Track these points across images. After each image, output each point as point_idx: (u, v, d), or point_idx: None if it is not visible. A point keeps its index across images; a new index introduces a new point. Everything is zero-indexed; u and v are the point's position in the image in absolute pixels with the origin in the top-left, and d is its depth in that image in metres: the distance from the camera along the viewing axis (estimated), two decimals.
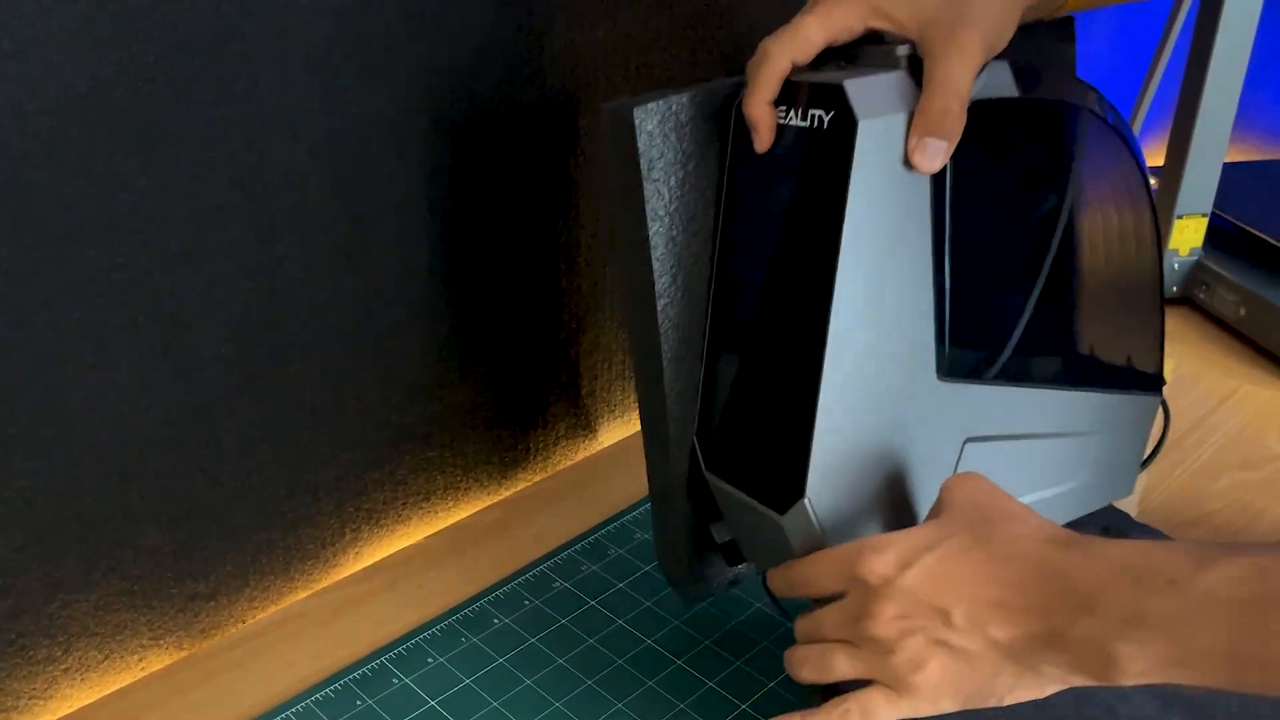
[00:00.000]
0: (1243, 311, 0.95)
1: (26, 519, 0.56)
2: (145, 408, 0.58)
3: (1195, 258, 1.01)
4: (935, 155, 0.49)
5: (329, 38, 0.58)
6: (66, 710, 0.60)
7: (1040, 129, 0.56)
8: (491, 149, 0.68)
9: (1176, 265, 1.01)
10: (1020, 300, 0.56)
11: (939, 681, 0.47)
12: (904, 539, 0.47)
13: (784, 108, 0.50)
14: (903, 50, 0.50)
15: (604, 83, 0.72)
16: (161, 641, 0.63)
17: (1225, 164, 0.98)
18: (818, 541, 0.51)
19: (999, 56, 0.52)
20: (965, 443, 0.54)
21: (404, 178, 0.64)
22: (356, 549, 0.71)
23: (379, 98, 0.61)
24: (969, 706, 0.47)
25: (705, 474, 0.56)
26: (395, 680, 0.60)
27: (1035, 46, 0.56)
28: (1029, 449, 0.57)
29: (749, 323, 0.54)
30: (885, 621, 0.46)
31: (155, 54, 0.52)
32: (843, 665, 0.49)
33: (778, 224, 0.52)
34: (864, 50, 0.51)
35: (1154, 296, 0.63)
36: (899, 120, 0.48)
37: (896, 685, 0.47)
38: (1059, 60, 0.61)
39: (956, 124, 0.49)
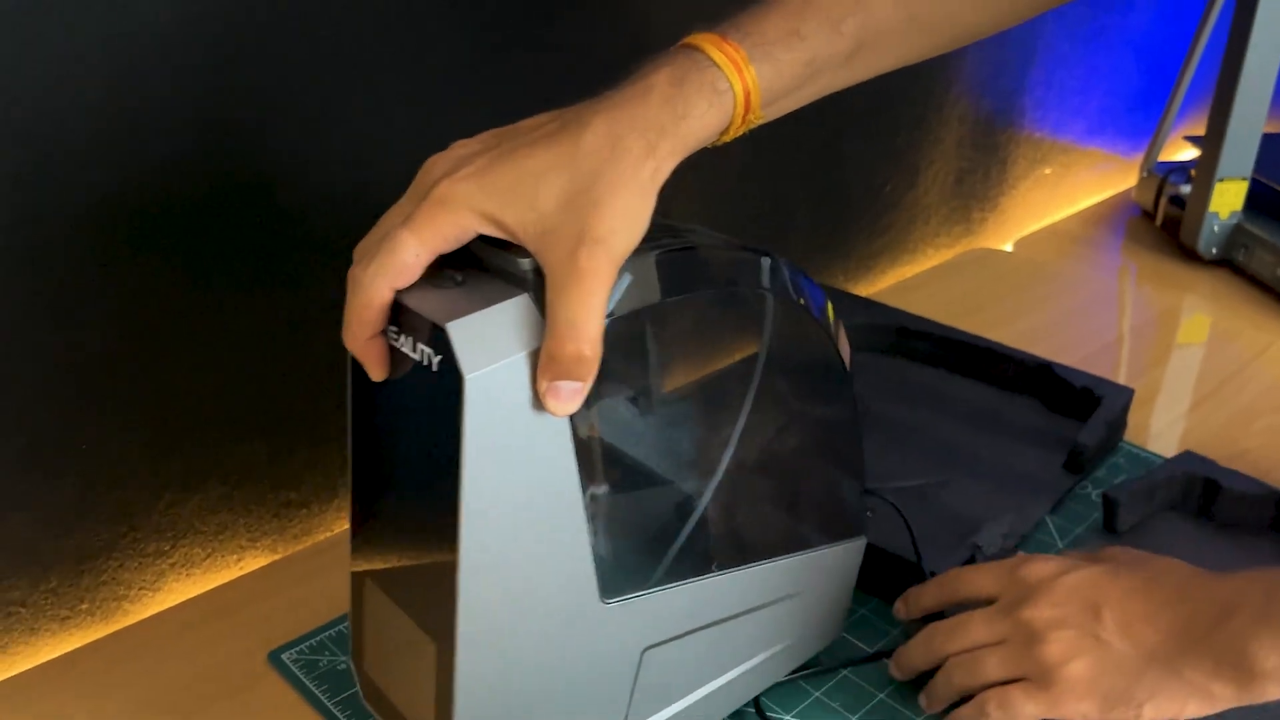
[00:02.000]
0: (1279, 272, 0.98)
1: (140, 424, 0.60)
2: (247, 321, 0.62)
3: (1235, 221, 1.03)
4: (570, 398, 0.41)
5: None
6: (172, 602, 0.64)
7: (701, 320, 0.49)
8: None
9: (1217, 228, 1.03)
10: (692, 499, 0.49)
11: (1083, 676, 0.49)
12: (1064, 557, 0.54)
13: (395, 329, 0.42)
14: (528, 263, 0.41)
15: None
16: (258, 544, 0.67)
17: (1265, 134, 1.01)
18: None
19: (645, 241, 0.43)
20: (644, 652, 0.49)
21: None
22: None
23: None
24: (1107, 711, 0.50)
25: (362, 699, 0.52)
26: None
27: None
28: (722, 632, 0.51)
29: (384, 552, 0.48)
30: (1041, 610, 0.51)
31: None
32: (992, 664, 0.51)
33: (400, 466, 0.45)
34: (486, 252, 0.43)
35: (853, 449, 0.56)
36: (520, 361, 0.40)
37: (1042, 678, 0.50)
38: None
39: (590, 366, 0.41)
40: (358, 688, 0.51)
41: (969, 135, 1.04)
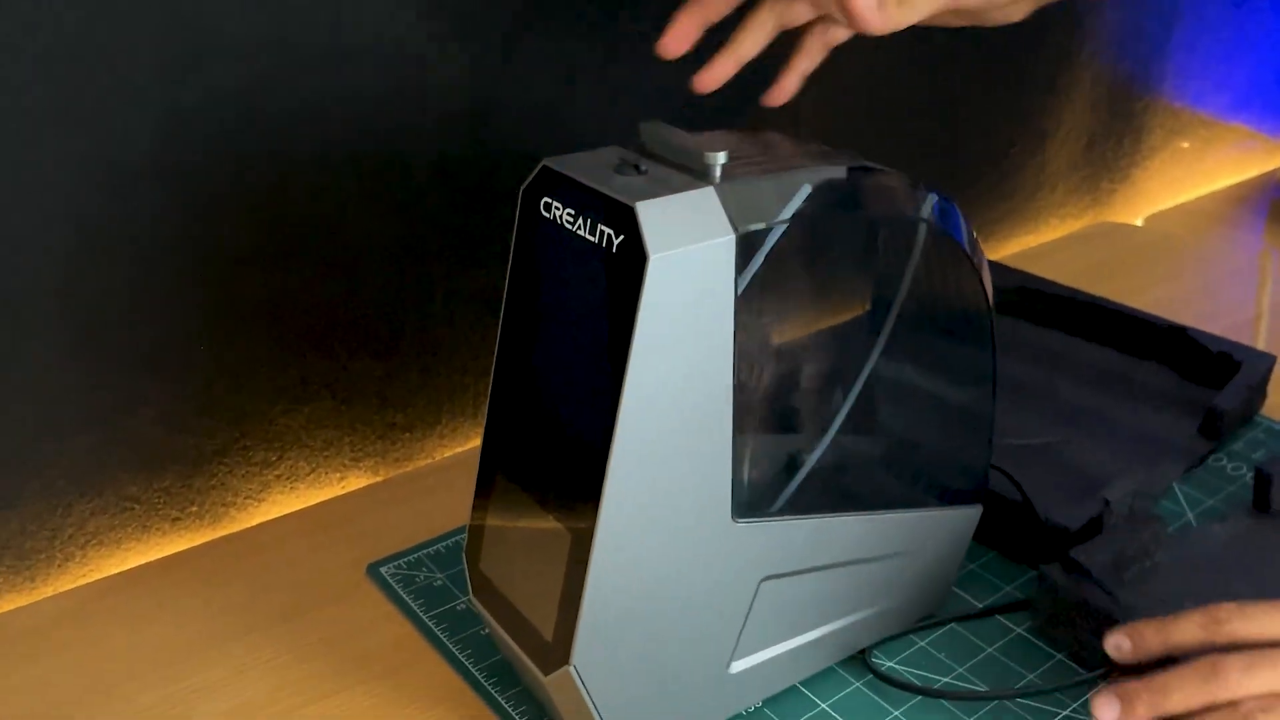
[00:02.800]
0: None
1: (262, 331, 0.61)
2: (367, 241, 0.63)
3: None
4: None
5: None
6: (276, 514, 0.65)
7: (865, 242, 0.49)
8: None
9: None
10: (824, 429, 0.49)
11: None
12: None
13: (570, 212, 0.43)
14: (719, 158, 0.42)
15: None
16: (361, 464, 0.68)
17: None
18: (583, 707, 0.45)
19: (838, 158, 0.46)
20: (762, 582, 0.48)
21: None
22: None
23: None
24: None
25: (471, 600, 0.51)
26: None
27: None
28: (832, 578, 0.50)
29: (524, 443, 0.47)
30: (1257, 683, 0.44)
31: None
32: None
33: (558, 347, 0.45)
34: (677, 145, 0.44)
35: (985, 405, 0.54)
36: (701, 251, 0.40)
37: None
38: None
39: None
40: (468, 587, 0.51)
41: (1103, 100, 1.00)
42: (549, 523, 0.45)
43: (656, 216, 0.40)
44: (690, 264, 0.41)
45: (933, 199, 0.49)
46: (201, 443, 0.61)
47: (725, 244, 0.41)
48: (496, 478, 0.49)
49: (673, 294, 0.40)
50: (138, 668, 0.54)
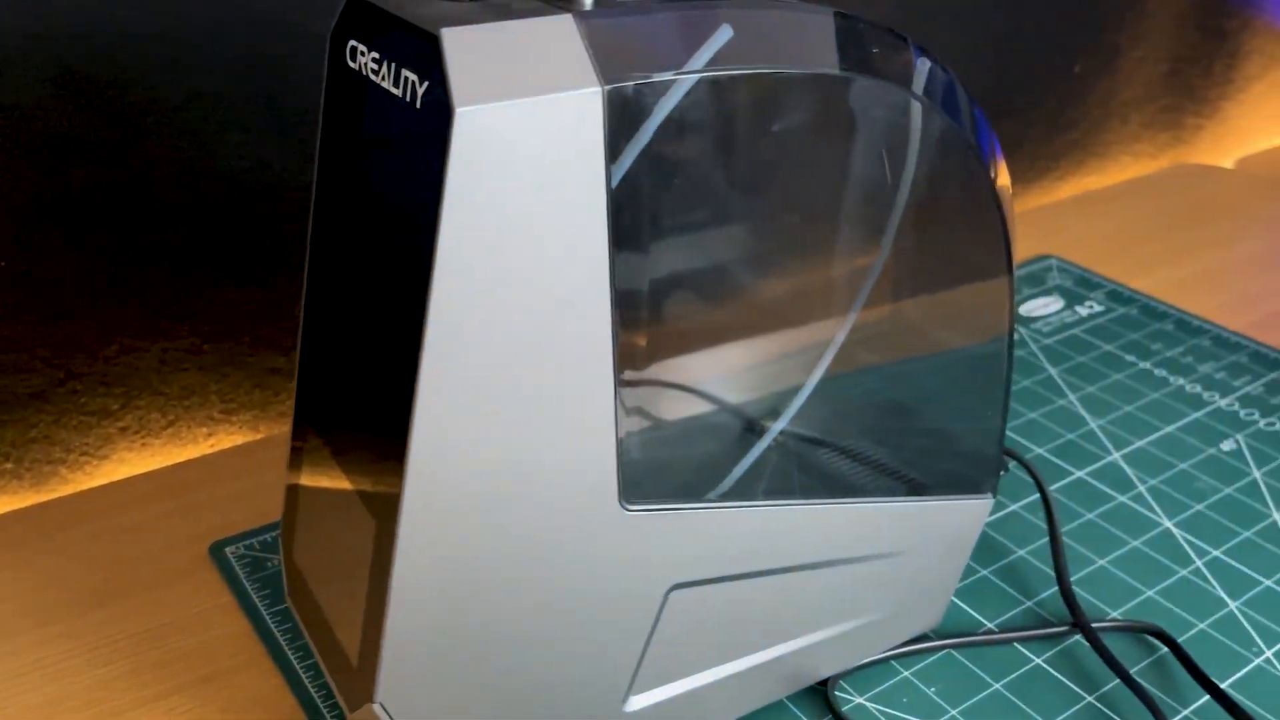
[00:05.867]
0: None
1: (84, 240, 0.48)
2: (221, 127, 0.50)
3: None
4: None
5: None
6: (125, 474, 0.53)
7: (817, 122, 0.33)
8: None
9: None
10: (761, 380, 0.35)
11: None
12: None
13: (376, 57, 0.29)
14: None
15: None
16: (234, 417, 0.55)
17: None
18: None
19: None
20: (670, 591, 0.35)
21: None
22: None
23: None
24: None
25: (289, 603, 0.39)
26: None
27: None
28: (778, 588, 0.37)
29: (334, 384, 0.34)
30: None
31: None
32: None
33: (365, 251, 0.31)
34: None
35: (997, 363, 0.40)
36: (546, 108, 0.27)
37: None
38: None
39: None
40: (284, 584, 0.38)
41: (1191, 14, 0.83)
42: (354, 499, 0.33)
43: (472, 51, 0.26)
44: (528, 127, 0.27)
45: (926, 66, 0.34)
46: (11, 382, 0.49)
47: (585, 100, 0.27)
48: (308, 433, 0.36)
49: (500, 173, 0.27)
50: None
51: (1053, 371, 0.61)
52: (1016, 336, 0.64)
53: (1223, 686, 0.42)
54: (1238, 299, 0.69)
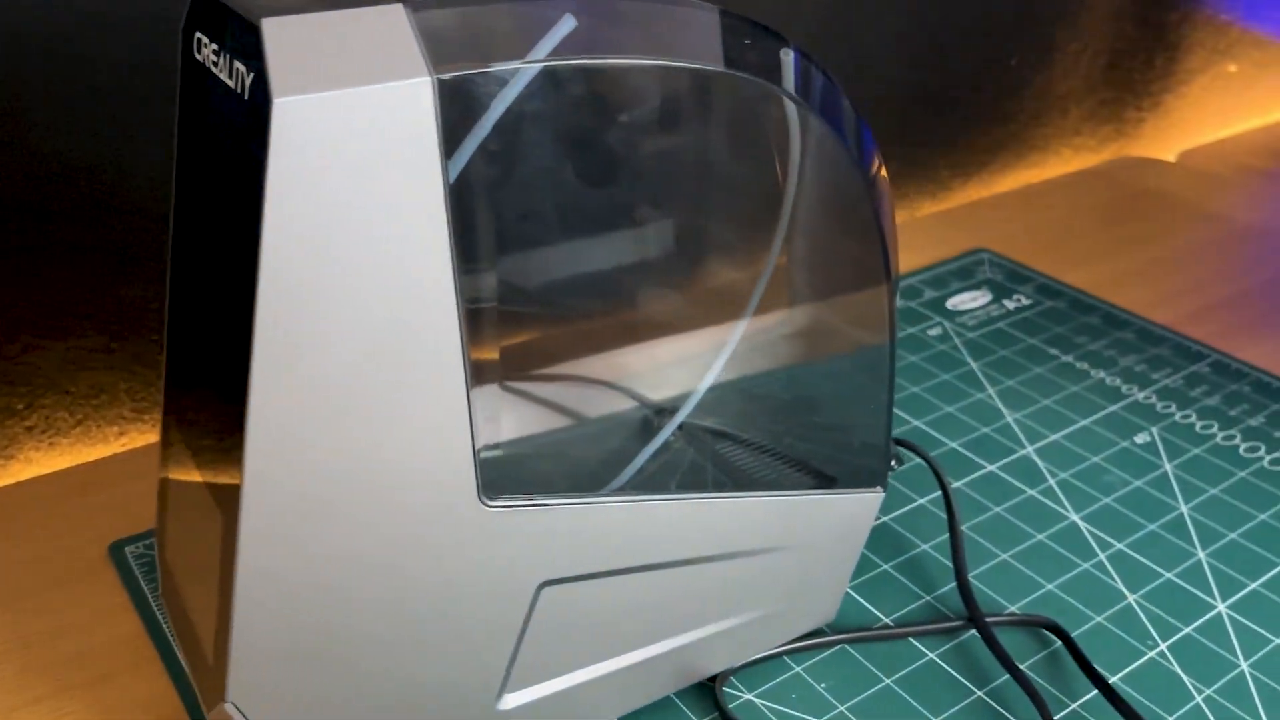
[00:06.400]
0: None
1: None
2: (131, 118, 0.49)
3: None
4: None
5: None
6: (31, 474, 0.53)
7: (672, 118, 0.33)
8: None
9: None
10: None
11: None
12: None
13: (216, 49, 0.29)
14: None
15: None
16: (148, 416, 0.55)
17: None
18: None
19: None
20: (541, 588, 0.34)
21: None
22: None
23: None
24: None
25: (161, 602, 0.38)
26: None
27: None
28: (659, 582, 0.37)
29: (190, 376, 0.34)
30: None
31: None
32: None
33: (211, 244, 0.31)
34: None
35: (879, 356, 0.39)
36: (373, 98, 0.26)
37: None
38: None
39: None
40: (159, 583, 0.38)
41: (1130, 6, 0.83)
42: (206, 495, 0.32)
43: (294, 41, 0.26)
44: (353, 119, 0.26)
45: (792, 59, 0.34)
46: None
47: (413, 91, 0.27)
48: (171, 428, 0.36)
49: (324, 166, 0.26)
50: None
51: (974, 365, 0.60)
52: (940, 330, 0.64)
53: (1113, 680, 0.42)
54: (1170, 293, 0.69)
